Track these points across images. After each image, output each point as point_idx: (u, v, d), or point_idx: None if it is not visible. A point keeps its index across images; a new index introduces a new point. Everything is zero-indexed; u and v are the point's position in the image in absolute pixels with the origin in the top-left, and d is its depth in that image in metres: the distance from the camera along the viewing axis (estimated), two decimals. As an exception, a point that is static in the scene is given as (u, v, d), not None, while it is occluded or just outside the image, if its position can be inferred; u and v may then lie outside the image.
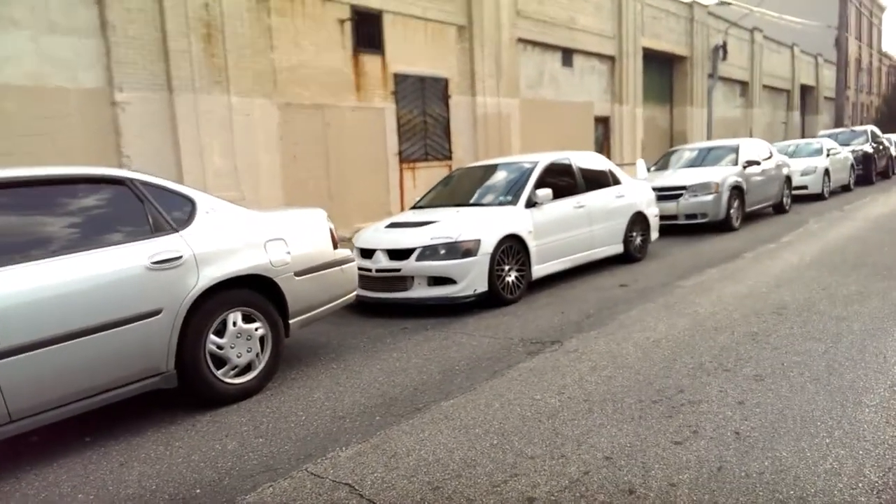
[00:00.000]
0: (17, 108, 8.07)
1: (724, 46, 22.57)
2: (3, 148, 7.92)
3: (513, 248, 6.34)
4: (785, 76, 30.75)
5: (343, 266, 4.84)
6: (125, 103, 8.99)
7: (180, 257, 3.76)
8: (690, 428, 3.24)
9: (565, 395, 3.79)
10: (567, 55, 17.42)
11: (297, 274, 4.41)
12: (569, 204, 7.21)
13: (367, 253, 6.31)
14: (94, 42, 8.72)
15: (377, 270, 6.15)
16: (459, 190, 7.57)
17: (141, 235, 3.71)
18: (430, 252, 5.96)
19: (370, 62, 12.19)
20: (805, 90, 33.56)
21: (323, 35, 11.38)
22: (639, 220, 8.30)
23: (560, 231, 6.98)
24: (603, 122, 19.20)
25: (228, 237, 4.07)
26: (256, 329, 4.17)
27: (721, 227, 10.54)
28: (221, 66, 9.90)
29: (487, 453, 3.10)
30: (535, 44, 16.31)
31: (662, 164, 12.35)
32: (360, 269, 6.24)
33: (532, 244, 6.56)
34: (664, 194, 10.51)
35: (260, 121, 10.53)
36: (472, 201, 7.05)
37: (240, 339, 4.06)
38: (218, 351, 3.96)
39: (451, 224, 6.26)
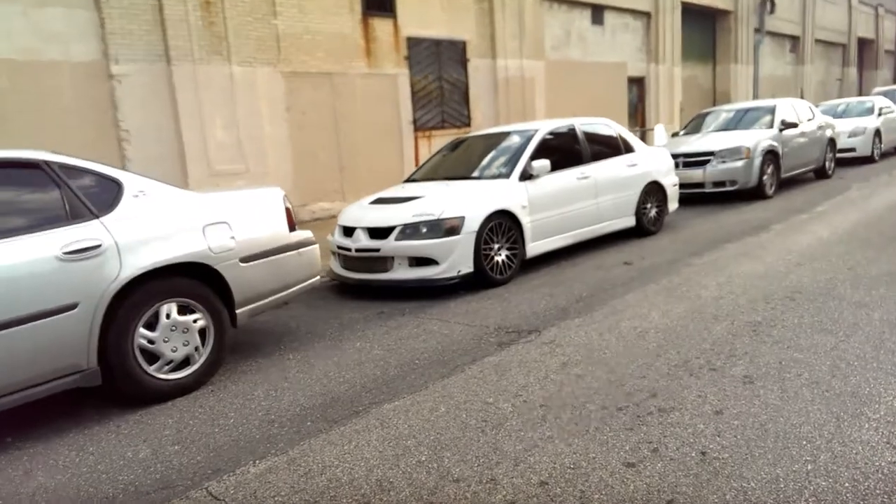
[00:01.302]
0: (8, 83, 7.92)
1: (773, -2, 21.04)
2: (-5, 124, 7.81)
3: (503, 225, 5.87)
4: (840, 29, 28.68)
5: (301, 250, 4.48)
6: (122, 76, 8.77)
7: (98, 246, 3.45)
8: (651, 445, 2.79)
9: (521, 399, 3.37)
10: (597, 12, 16.47)
11: (244, 260, 4.07)
12: (571, 175, 6.65)
13: (348, 231, 5.95)
14: (87, 13, 8.47)
15: (357, 250, 5.78)
16: (454, 162, 7.09)
17: (55, 223, 3.41)
18: (410, 230, 5.55)
19: (381, 26, 11.66)
20: (863, 44, 31.30)
21: (329, -1, 10.89)
22: (654, 191, 7.68)
23: (560, 205, 6.45)
24: (637, 83, 18.21)
25: (159, 222, 3.74)
26: (195, 321, 3.86)
27: (753, 195, 9.77)
28: (221, 35, 9.56)
29: (410, 474, 2.72)
30: (561, 1, 15.43)
31: (693, 127, 11.52)
32: (340, 248, 5.93)
33: (526, 220, 6.07)
34: (690, 160, 9.81)
35: (264, 91, 10.19)
36: (464, 174, 6.57)
37: (175, 332, 3.76)
38: (149, 345, 3.68)
39: (434, 200, 5.82)
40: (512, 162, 6.31)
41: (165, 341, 3.73)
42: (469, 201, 5.74)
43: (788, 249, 6.28)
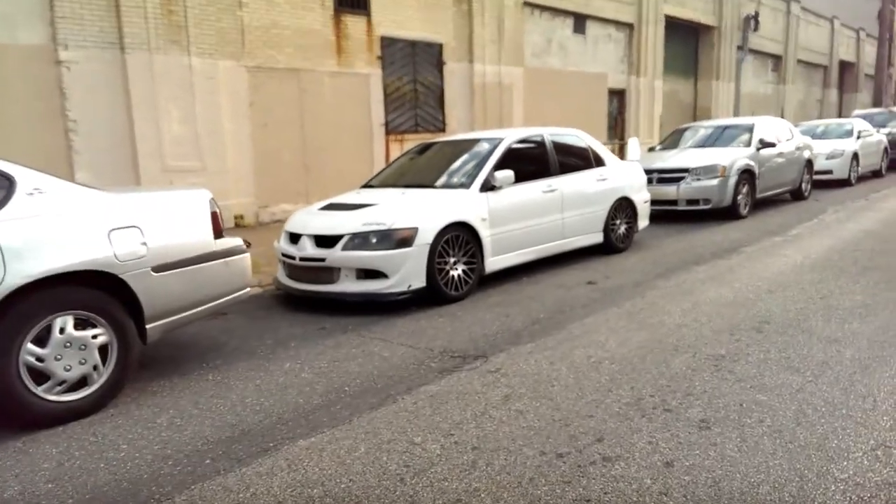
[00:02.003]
0: (-57, 64, 7.41)
1: (756, 17, 21.02)
2: (-73, 108, 7.29)
3: (460, 238, 5.50)
4: (822, 51, 28.89)
5: (228, 259, 4.06)
6: (70, 62, 8.28)
7: (-24, 250, 3.01)
8: (588, 504, 2.43)
9: (453, 439, 2.99)
10: (579, 21, 16.24)
11: (158, 269, 3.65)
12: (536, 188, 6.31)
13: (294, 238, 5.54)
14: (34, -6, 7.97)
15: (301, 259, 5.37)
16: (416, 169, 6.72)
17: (-73, 221, 2.97)
18: (359, 240, 5.15)
19: (354, 23, 11.27)
20: (844, 66, 31.58)
21: (300, -8, 10.47)
22: (624, 207, 7.37)
23: (523, 218, 6.10)
24: (618, 95, 18.01)
25: (56, 225, 3.31)
26: (95, 336, 3.43)
27: (727, 214, 9.52)
28: (181, 24, 9.10)
29: (305, 532, 2.33)
30: (543, 8, 15.17)
31: (670, 142, 11.28)
32: (284, 255, 5.53)
33: (485, 233, 5.71)
34: (665, 176, 9.55)
35: (225, 84, 9.74)
36: (424, 182, 6.20)
37: (69, 348, 3.33)
38: (38, 363, 3.24)
39: (387, 208, 5.44)
40: (474, 172, 5.95)
41: (58, 359, 3.29)
42: (424, 211, 5.37)
43: (759, 275, 5.99)
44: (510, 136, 6.40)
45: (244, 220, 10.08)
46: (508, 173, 5.89)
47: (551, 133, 6.87)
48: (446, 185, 5.98)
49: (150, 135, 8.94)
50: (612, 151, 17.41)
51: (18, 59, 7.93)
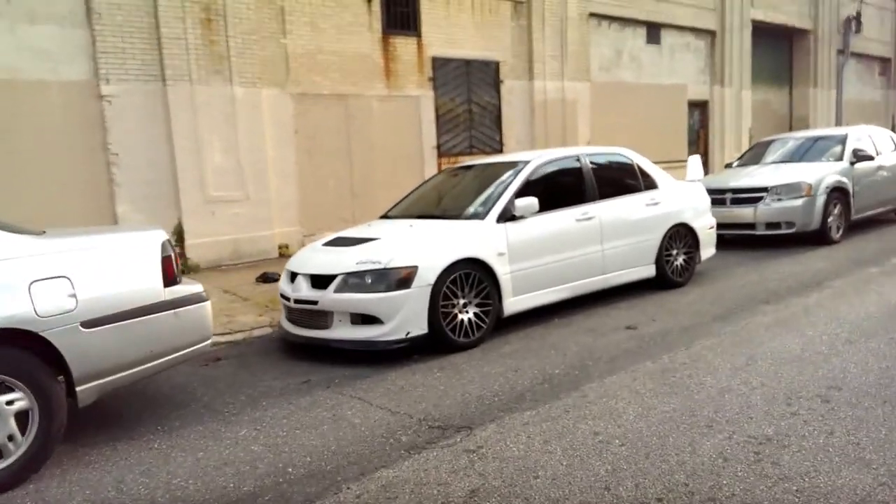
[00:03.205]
0: (-11, 102, 7.58)
1: (858, 17, 19.07)
2: (-27, 146, 7.46)
3: (472, 277, 4.84)
4: (943, 49, 25.91)
5: (180, 309, 3.61)
6: (112, 96, 8.32)
7: None
8: None
9: (380, 556, 2.34)
10: (653, 30, 15.19)
11: (88, 325, 3.24)
12: (568, 216, 5.56)
13: (292, 277, 5.07)
14: (77, 31, 8.08)
15: (296, 301, 4.89)
16: (434, 197, 6.13)
17: None
18: (353, 281, 4.61)
19: (403, 45, 10.91)
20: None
21: (346, 16, 10.23)
22: (681, 235, 6.45)
23: (551, 252, 5.36)
24: (700, 108, 16.73)
25: (-39, 278, 2.95)
26: (10, 403, 3.04)
27: (814, 239, 8.31)
28: (223, 54, 9.01)
29: None
30: (611, 18, 14.28)
31: (751, 157, 10.10)
32: (283, 296, 5.06)
33: (503, 270, 5.02)
34: (740, 197, 8.46)
35: (269, 113, 9.58)
36: (438, 213, 5.61)
37: (-24, 417, 2.95)
38: (-62, 435, 2.87)
39: (387, 244, 4.87)
40: (491, 200, 5.28)
41: (-38, 430, 2.92)
42: (427, 247, 4.76)
43: (841, 319, 4.94)
44: (537, 159, 5.69)
45: (288, 250, 9.80)
46: (531, 201, 5.18)
47: (589, 153, 6.09)
48: (460, 216, 5.35)
49: (192, 166, 8.86)
50: (694, 168, 16.21)
51: (61, 94, 8.04)
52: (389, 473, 2.97)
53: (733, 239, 8.65)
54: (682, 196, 6.55)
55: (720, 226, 8.37)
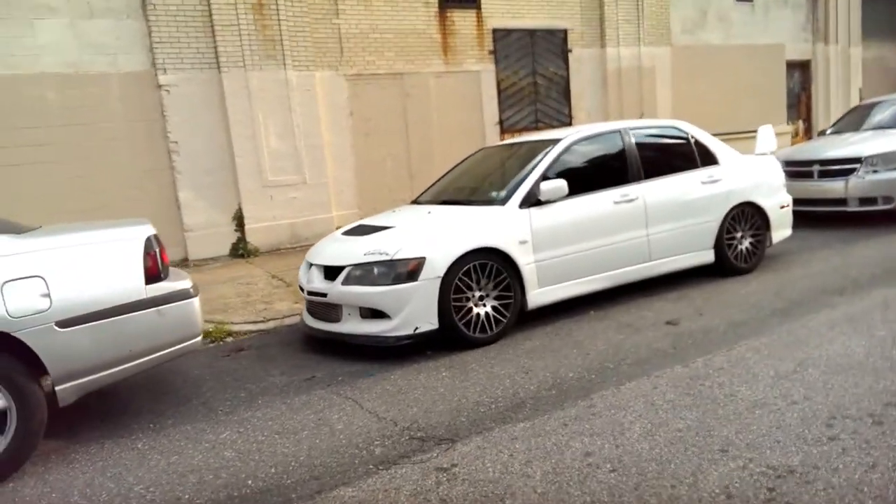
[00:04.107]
0: (55, 96, 7.91)
1: None
2: (41, 138, 7.83)
3: (489, 268, 4.48)
4: None
5: (163, 307, 3.52)
6: (170, 85, 8.50)
7: None
8: None
9: None
10: (745, -14, 13.85)
11: (64, 324, 3.20)
12: (605, 198, 5.05)
13: (309, 268, 4.91)
14: (134, 23, 8.28)
15: (309, 293, 4.73)
16: (466, 179, 5.75)
17: None
18: (361, 273, 4.38)
19: (462, 18, 10.49)
20: None
21: (400, -9, 9.91)
22: (747, 215, 5.75)
23: (584, 238, 4.89)
24: (800, 68, 15.22)
25: (-70, 281, 2.97)
26: (-15, 403, 3.05)
27: (920, 216, 7.24)
28: (276, 38, 8.98)
29: None
30: (695, -24, 13.13)
31: (846, 124, 8.95)
32: (300, 287, 4.92)
33: (525, 260, 4.62)
34: (829, 169, 7.50)
35: (324, 95, 9.50)
36: (462, 198, 5.25)
37: (-50, 418, 2.98)
38: (-88, 436, 2.92)
39: (398, 233, 4.60)
40: (515, 183, 4.86)
41: (-65, 430, 2.95)
42: (438, 237, 4.44)
43: (926, 315, 4.20)
44: (570, 137, 5.19)
45: (346, 233, 9.76)
46: (558, 183, 4.73)
47: (635, 127, 5.50)
48: (482, 201, 4.97)
49: (249, 151, 8.93)
50: (795, 133, 14.80)
51: (121, 85, 8.28)
52: (346, 493, 2.73)
53: (822, 216, 7.72)
54: (748, 172, 5.82)
55: (807, 202, 7.56)
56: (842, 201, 7.39)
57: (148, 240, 3.57)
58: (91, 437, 3.56)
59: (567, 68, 11.61)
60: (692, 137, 5.73)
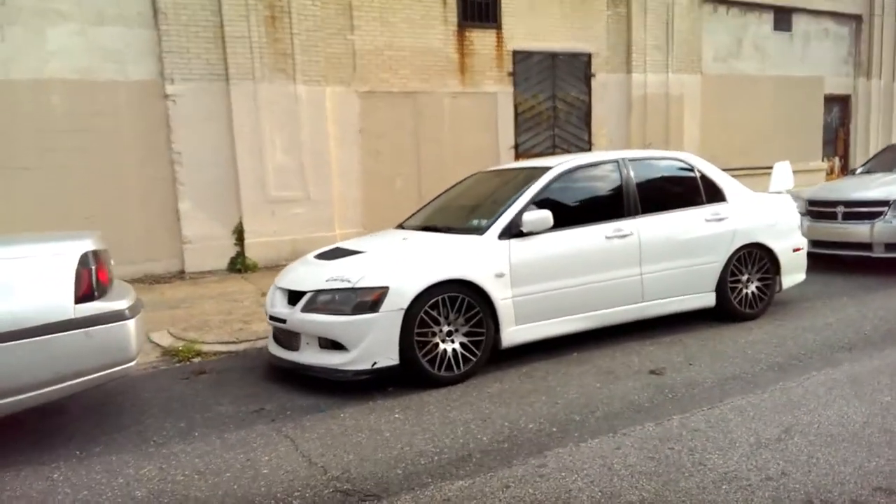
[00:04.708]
0: (62, 102, 7.91)
1: None
2: (46, 144, 7.82)
3: (460, 301, 4.17)
4: None
5: (92, 328, 3.30)
6: (176, 95, 8.44)
7: None
8: None
9: None
10: (783, 15, 13.42)
11: (-24, 343, 2.99)
12: (595, 233, 4.70)
13: (276, 292, 4.66)
14: (144, 32, 8.26)
15: (270, 317, 4.49)
16: (454, 205, 5.46)
17: None
18: (321, 300, 4.12)
19: (481, 38, 10.28)
20: None
21: (418, 9, 9.78)
22: (754, 258, 5.34)
23: (569, 274, 4.55)
24: (840, 103, 14.63)
25: None
26: None
27: (953, 266, 6.70)
28: (287, 51, 8.89)
29: None
30: (730, 3, 12.75)
31: (878, 163, 8.42)
32: (265, 311, 4.68)
33: (502, 295, 4.29)
34: (854, 211, 7.02)
35: (334, 111, 9.36)
36: (444, 224, 4.95)
37: None
38: None
39: (365, 260, 4.33)
40: (497, 212, 4.56)
41: None
42: (405, 266, 4.15)
43: (941, 381, 3.74)
44: (562, 165, 4.87)
45: (349, 252, 9.55)
46: (542, 214, 4.41)
47: (635, 157, 5.16)
48: (463, 229, 4.67)
49: (253, 165, 8.82)
50: (830, 171, 14.16)
51: (129, 93, 8.25)
52: (243, 553, 2.43)
53: (850, 261, 7.22)
54: (758, 211, 5.41)
55: (830, 244, 7.11)
56: (867, 246, 6.88)
57: (84, 256, 3.37)
58: (11, 462, 3.34)
59: (589, 93, 11.29)
60: (699, 172, 5.35)
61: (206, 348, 5.41)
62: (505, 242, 4.39)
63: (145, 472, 3.18)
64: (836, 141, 14.76)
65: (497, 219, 4.47)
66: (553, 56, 10.85)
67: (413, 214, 5.68)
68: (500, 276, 4.29)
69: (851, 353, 4.39)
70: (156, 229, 8.51)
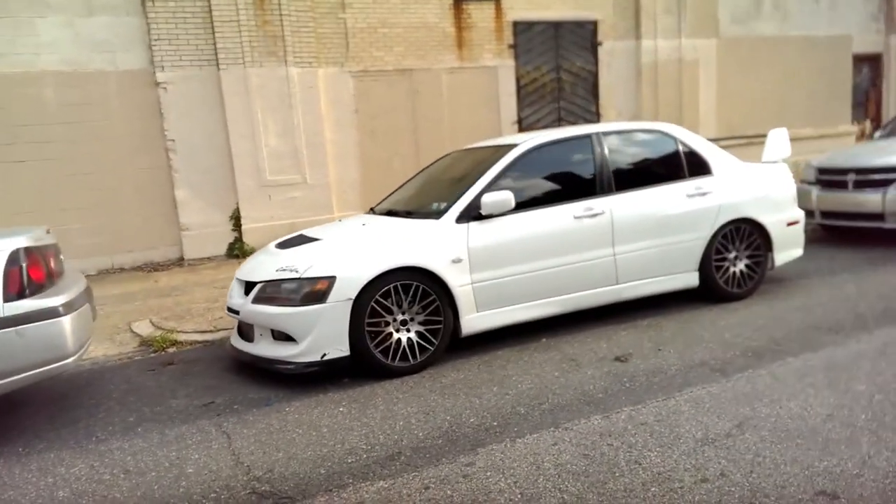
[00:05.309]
0: (54, 94, 7.94)
1: None
2: (40, 136, 7.88)
3: (414, 289, 4.02)
4: None
5: (22, 327, 3.25)
6: (167, 83, 8.40)
7: None
8: None
9: None
10: (805, -28, 12.65)
11: None
12: (562, 213, 4.47)
13: (235, 282, 4.58)
14: (133, 20, 8.22)
15: (228, 309, 4.41)
16: (423, 187, 5.27)
17: None
18: (271, 291, 4.02)
19: (479, 11, 9.97)
20: None
21: (412, -16, 9.49)
22: (742, 233, 5.04)
23: (534, 257, 4.35)
24: (870, 62, 13.84)
25: None
26: None
27: (972, 235, 6.25)
28: (277, 34, 8.74)
29: None
30: (746, -39, 12.07)
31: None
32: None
33: (460, 281, 4.13)
34: (865, 179, 6.60)
35: (327, 93, 9.22)
36: (405, 208, 4.78)
37: None
38: None
39: (319, 248, 4.20)
40: (456, 195, 4.37)
41: None
42: (354, 253, 4.01)
43: (925, 366, 3.45)
44: (528, 142, 4.63)
45: (349, 235, 9.46)
46: (503, 196, 4.21)
47: (610, 131, 4.88)
48: (422, 214, 4.50)
49: (247, 150, 8.76)
50: (861, 134, 13.45)
51: (120, 83, 8.24)
52: (137, 561, 2.36)
53: (861, 232, 6.82)
54: (748, 183, 5.09)
55: (839, 215, 6.75)
56: (878, 216, 6.46)
57: (13, 254, 3.32)
58: (-45, 461, 3.34)
59: (596, 63, 10.88)
60: (682, 144, 5.05)
61: (182, 337, 5.38)
62: (463, 226, 4.21)
63: (76, 470, 3.14)
64: (867, 103, 14.00)
65: (455, 202, 4.29)
66: (556, 25, 10.47)
67: (386, 197, 5.52)
68: (457, 261, 4.12)
69: (838, 335, 4.10)
70: (154, 217, 8.55)
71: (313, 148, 9.11)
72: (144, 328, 5.67)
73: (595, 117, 10.96)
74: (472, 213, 4.24)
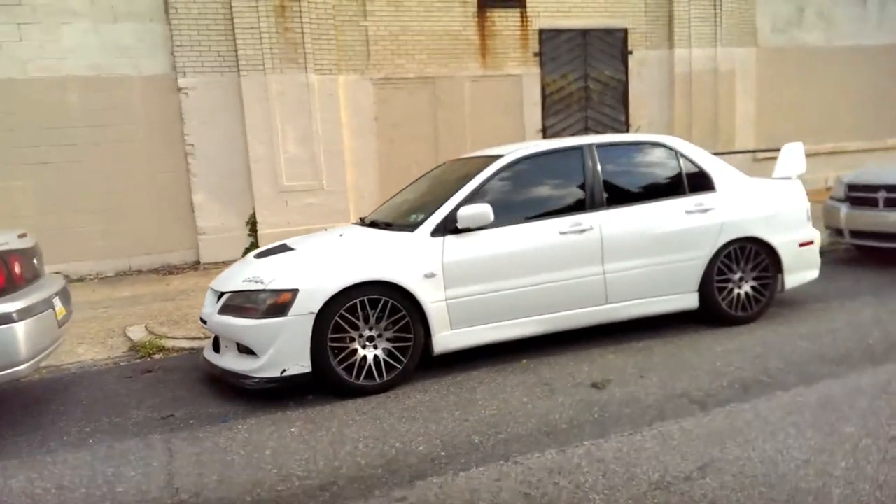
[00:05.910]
0: (79, 98, 8.13)
1: None
2: (64, 139, 8.08)
3: (384, 304, 3.86)
4: None
5: (-25, 332, 3.24)
6: (189, 88, 8.52)
7: None
8: None
9: None
10: (855, -22, 12.00)
11: None
12: (546, 228, 4.25)
13: (209, 291, 4.51)
14: (156, 26, 8.36)
15: (201, 318, 4.34)
16: (410, 197, 5.09)
17: None
18: (236, 302, 3.93)
19: (503, 19, 9.79)
20: None
21: (435, -9, 9.39)
22: (748, 254, 4.70)
23: (514, 273, 4.13)
24: (928, 73, 12.95)
25: None
26: None
27: None
28: (297, 41, 8.77)
29: None
30: (790, -34, 11.53)
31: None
32: (205, 312, 4.53)
33: (433, 297, 3.95)
34: (892, 197, 6.12)
35: (347, 100, 9.20)
36: (388, 219, 4.63)
37: None
38: None
39: (289, 259, 4.10)
40: (434, 207, 4.19)
41: None
42: (320, 266, 3.88)
43: (928, 410, 3.09)
44: (514, 153, 4.43)
45: (365, 243, 9.38)
46: (481, 209, 4.01)
47: (604, 143, 4.63)
48: (400, 225, 4.34)
49: (265, 156, 8.79)
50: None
51: (143, 88, 8.39)
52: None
53: (884, 254, 6.34)
54: (755, 201, 4.75)
55: (869, 235, 6.26)
56: (904, 237, 5.99)
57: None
58: None
59: (626, 71, 10.55)
60: (683, 158, 4.75)
61: (170, 344, 5.37)
62: (438, 240, 4.04)
63: (13, 482, 3.10)
64: (924, 116, 13.14)
65: (431, 214, 4.12)
66: (584, 33, 10.19)
67: (378, 207, 5.39)
68: (430, 276, 3.95)
69: (840, 367, 3.75)
70: (171, 221, 8.66)
71: (331, 155, 9.08)
72: (137, 333, 5.68)
73: (624, 127, 10.63)
74: (449, 227, 4.07)
